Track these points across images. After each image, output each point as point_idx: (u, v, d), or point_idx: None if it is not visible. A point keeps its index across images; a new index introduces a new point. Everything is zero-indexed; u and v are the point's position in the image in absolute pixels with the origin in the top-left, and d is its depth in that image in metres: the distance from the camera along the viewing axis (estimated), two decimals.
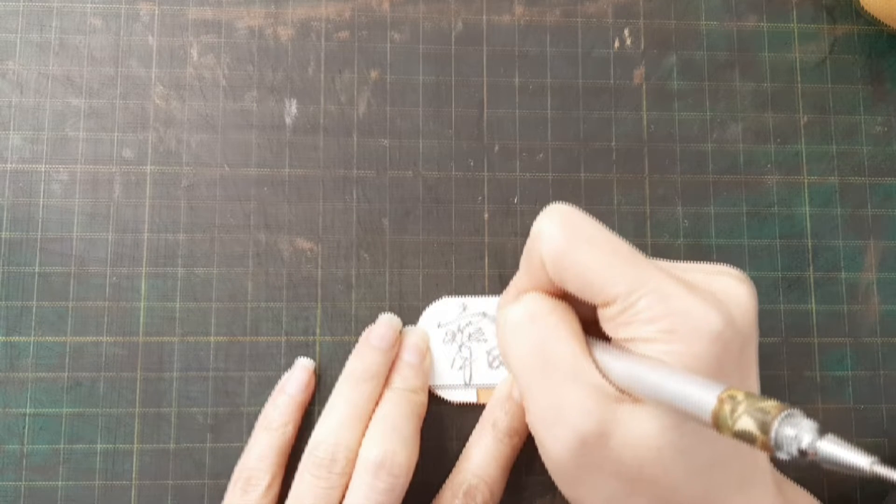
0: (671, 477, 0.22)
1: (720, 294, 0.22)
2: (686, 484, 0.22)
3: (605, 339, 0.23)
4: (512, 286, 0.25)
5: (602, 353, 0.23)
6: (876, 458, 0.15)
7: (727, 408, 0.17)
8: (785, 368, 0.31)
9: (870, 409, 0.31)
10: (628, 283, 0.21)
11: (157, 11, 0.32)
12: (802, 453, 0.16)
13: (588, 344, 0.23)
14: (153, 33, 0.32)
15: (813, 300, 0.32)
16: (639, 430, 0.21)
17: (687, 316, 0.21)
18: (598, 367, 0.22)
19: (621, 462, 0.22)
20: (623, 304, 0.22)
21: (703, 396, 0.18)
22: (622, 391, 0.22)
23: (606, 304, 0.22)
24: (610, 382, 0.22)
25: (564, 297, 0.24)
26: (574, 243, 0.22)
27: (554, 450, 0.23)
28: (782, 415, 0.16)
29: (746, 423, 0.17)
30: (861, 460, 0.15)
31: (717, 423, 0.18)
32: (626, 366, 0.21)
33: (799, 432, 0.16)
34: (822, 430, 0.16)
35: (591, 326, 0.24)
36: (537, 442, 0.24)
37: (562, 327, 0.23)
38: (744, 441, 0.17)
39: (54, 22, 0.32)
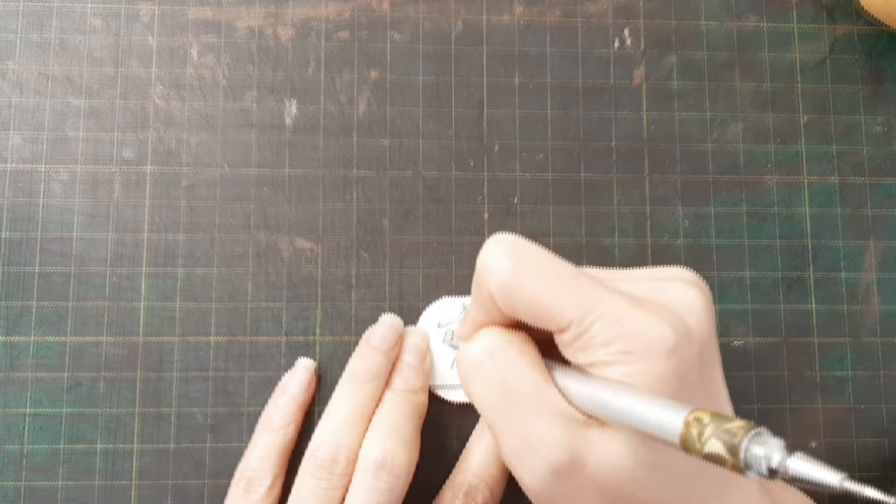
0: (650, 492, 0.22)
1: (672, 303, 0.22)
2: (667, 497, 0.22)
3: (567, 362, 0.23)
4: (468, 319, 0.25)
5: (565, 378, 0.22)
6: (845, 474, 0.15)
7: (694, 431, 0.17)
8: (785, 368, 0.31)
9: (870, 409, 0.31)
10: (579, 309, 0.21)
11: (157, 11, 0.32)
12: (772, 472, 0.16)
13: (550, 370, 0.23)
14: (153, 33, 0.32)
15: (813, 300, 0.32)
16: (610, 452, 0.21)
17: (640, 335, 0.21)
18: (562, 393, 0.22)
19: (599, 485, 0.22)
20: (577, 330, 0.21)
21: (670, 420, 0.18)
22: (589, 416, 0.22)
23: (561, 331, 0.22)
24: (576, 408, 0.22)
25: (520, 324, 0.24)
26: (520, 274, 0.22)
27: (531, 482, 0.23)
28: (749, 435, 0.16)
29: (715, 445, 0.17)
30: (831, 477, 0.15)
31: (686, 447, 0.18)
32: (589, 390, 0.21)
33: (767, 451, 0.16)
34: (791, 448, 0.16)
35: (551, 348, 0.23)
36: (514, 474, 0.24)
37: (521, 360, 0.23)
38: (714, 463, 0.17)
39: (54, 22, 0.31)
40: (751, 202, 0.32)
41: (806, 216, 0.32)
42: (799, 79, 0.33)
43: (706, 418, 0.17)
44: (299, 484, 0.27)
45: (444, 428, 0.30)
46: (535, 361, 0.23)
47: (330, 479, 0.26)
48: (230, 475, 0.29)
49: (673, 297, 0.22)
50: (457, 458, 0.29)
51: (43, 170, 0.31)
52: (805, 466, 0.15)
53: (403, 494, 0.27)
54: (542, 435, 0.22)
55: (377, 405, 0.28)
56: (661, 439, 0.19)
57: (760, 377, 0.31)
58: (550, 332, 0.23)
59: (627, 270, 0.24)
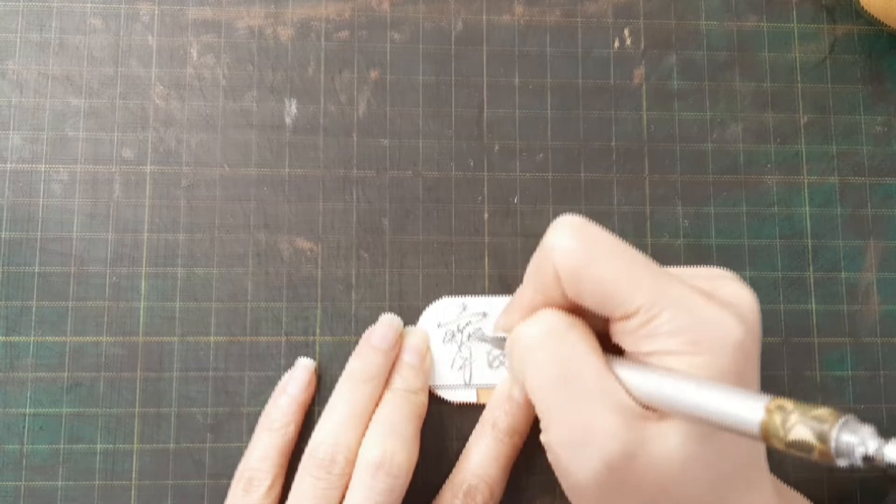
0: (693, 489, 0.21)
1: (733, 300, 0.22)
2: (705, 494, 0.22)
3: (618, 354, 0.23)
4: (516, 305, 0.24)
5: (622, 368, 0.22)
6: None
7: (777, 419, 0.17)
8: (785, 368, 0.31)
9: (870, 409, 0.31)
10: (649, 295, 0.21)
11: (157, 11, 0.32)
12: (868, 459, 0.15)
13: (608, 359, 0.23)
14: (153, 33, 0.32)
15: (813, 300, 0.32)
16: (664, 446, 0.21)
17: (710, 326, 0.20)
18: (620, 383, 0.22)
19: (645, 480, 0.21)
20: (645, 317, 0.21)
21: (749, 409, 0.18)
22: (647, 407, 0.21)
23: (626, 317, 0.21)
24: (634, 399, 0.21)
25: (575, 311, 0.24)
26: (592, 256, 0.22)
27: (579, 474, 0.22)
28: (840, 422, 0.16)
29: (802, 432, 0.16)
30: None
31: (767, 436, 0.17)
32: (650, 380, 0.21)
33: (861, 439, 0.15)
34: (885, 435, 0.15)
35: (602, 342, 0.23)
36: (558, 465, 0.23)
37: (583, 344, 0.22)
38: (798, 451, 0.16)
39: (54, 22, 0.32)
40: (751, 202, 0.32)
41: (806, 216, 0.32)
42: (799, 79, 0.33)
43: (789, 406, 0.17)
44: (298, 484, 0.27)
45: (444, 428, 0.30)
46: (595, 347, 0.23)
47: (329, 478, 0.26)
48: (230, 475, 0.29)
49: (732, 294, 0.22)
50: (457, 458, 0.29)
51: (43, 170, 0.31)
52: None
53: (403, 494, 0.27)
54: (600, 424, 0.21)
55: (377, 405, 0.28)
56: (735, 428, 0.18)
57: (761, 377, 0.31)
58: (602, 323, 0.22)
59: (673, 269, 0.24)
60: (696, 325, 0.21)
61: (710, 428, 0.20)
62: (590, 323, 0.24)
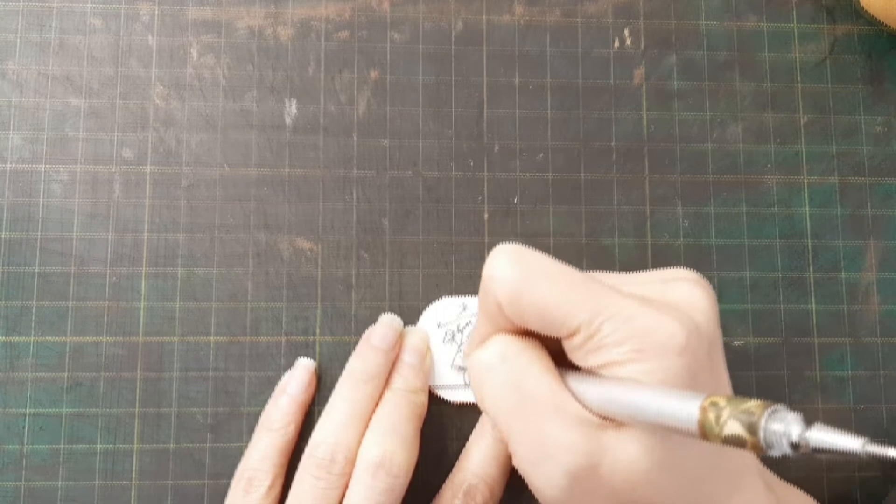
0: (664, 494, 0.22)
1: (680, 302, 0.22)
2: (679, 498, 0.22)
3: (576, 369, 0.23)
4: (476, 334, 0.25)
5: (577, 382, 0.22)
6: (867, 438, 0.15)
7: (711, 416, 0.17)
8: (785, 368, 0.31)
9: (870, 409, 0.31)
10: (588, 311, 0.21)
11: (157, 11, 0.32)
12: (794, 446, 0.16)
13: (562, 375, 0.23)
14: (153, 33, 0.32)
15: (813, 300, 0.32)
16: (626, 454, 0.21)
17: (652, 333, 0.21)
18: (575, 397, 0.22)
19: (613, 489, 0.22)
20: (587, 333, 0.21)
21: (686, 409, 0.18)
22: (603, 418, 0.22)
23: (571, 335, 0.22)
24: (590, 411, 0.22)
25: (530, 333, 0.24)
26: (527, 282, 0.22)
27: (545, 488, 0.22)
28: (767, 412, 0.16)
29: (733, 427, 0.17)
30: (853, 443, 0.15)
31: (704, 433, 0.17)
32: (603, 392, 0.21)
33: (786, 426, 0.16)
34: (809, 420, 0.16)
35: (560, 358, 0.24)
36: (527, 481, 0.24)
37: (535, 364, 0.23)
38: (734, 445, 0.17)
39: (54, 22, 0.32)
40: (751, 202, 0.32)
41: (806, 216, 0.32)
42: (799, 79, 0.33)
43: (722, 402, 0.17)
44: (298, 484, 0.27)
45: (444, 428, 0.30)
46: (548, 366, 0.23)
47: (328, 478, 0.26)
48: (230, 475, 0.29)
49: (680, 297, 0.22)
50: (457, 458, 0.29)
51: (43, 170, 0.31)
52: (826, 436, 0.15)
53: (402, 494, 0.27)
54: (559, 439, 0.22)
55: (377, 405, 0.28)
56: (678, 429, 0.18)
57: (760, 377, 0.31)
58: (558, 340, 0.23)
59: (631, 274, 0.24)
60: (638, 334, 0.21)
61: (661, 432, 0.21)
62: (545, 342, 0.24)
